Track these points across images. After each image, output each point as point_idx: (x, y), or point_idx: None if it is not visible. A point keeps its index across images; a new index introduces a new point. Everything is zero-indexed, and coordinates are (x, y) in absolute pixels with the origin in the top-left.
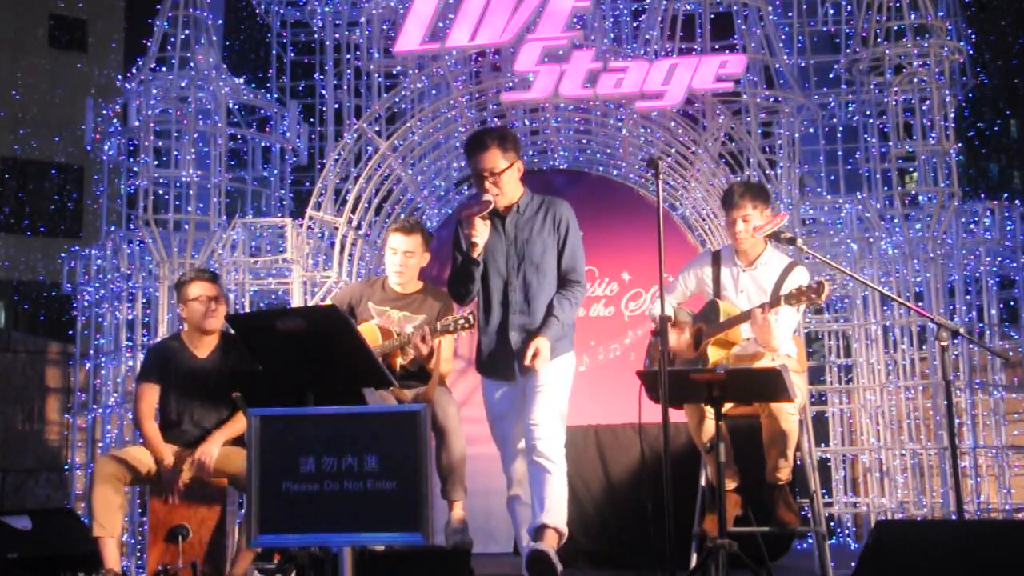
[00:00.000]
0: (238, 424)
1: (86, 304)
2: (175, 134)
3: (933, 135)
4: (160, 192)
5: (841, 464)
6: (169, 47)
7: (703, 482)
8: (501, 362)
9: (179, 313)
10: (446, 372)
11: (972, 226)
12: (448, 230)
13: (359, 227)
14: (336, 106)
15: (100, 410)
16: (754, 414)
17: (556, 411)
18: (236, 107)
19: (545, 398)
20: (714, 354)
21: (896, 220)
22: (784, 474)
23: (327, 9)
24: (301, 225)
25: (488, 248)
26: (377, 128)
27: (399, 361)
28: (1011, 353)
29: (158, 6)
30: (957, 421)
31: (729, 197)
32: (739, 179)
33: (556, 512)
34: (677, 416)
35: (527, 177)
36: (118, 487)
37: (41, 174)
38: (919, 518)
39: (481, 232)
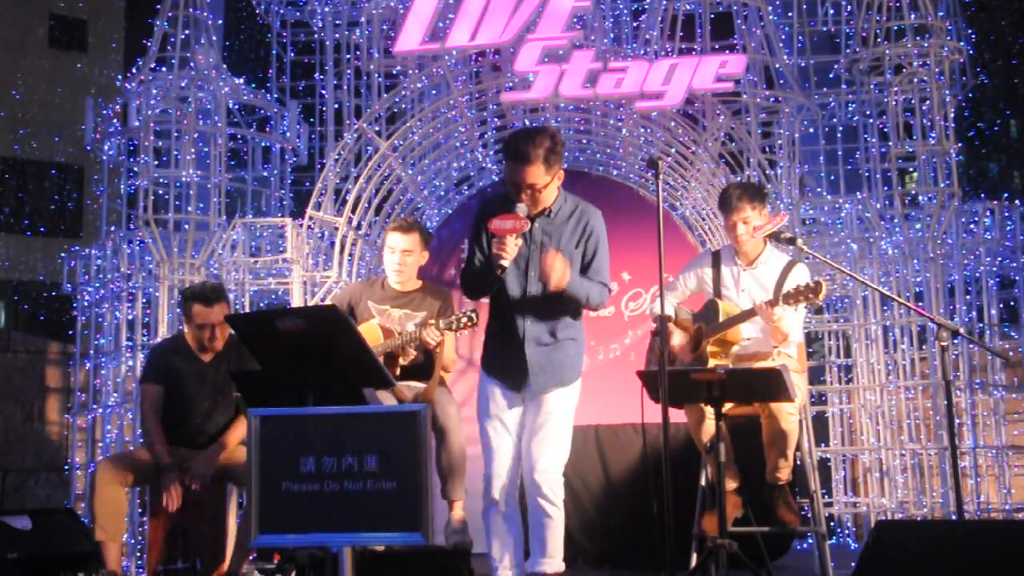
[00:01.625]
0: (238, 432)
1: (86, 304)
2: (175, 134)
3: (933, 135)
4: (160, 192)
5: (841, 464)
6: (169, 47)
7: (703, 482)
8: (513, 371)
9: (182, 321)
10: (450, 361)
11: (972, 226)
12: (448, 230)
13: (359, 227)
14: (336, 106)
15: (100, 410)
16: (754, 414)
17: (562, 448)
18: (236, 107)
19: (553, 432)
20: (714, 354)
21: (896, 220)
22: (784, 474)
23: (327, 9)
24: (301, 225)
25: None
26: (377, 128)
27: (400, 361)
28: (1011, 353)
29: (158, 6)
30: (957, 421)
31: (727, 200)
32: (735, 180)
33: (556, 557)
34: (677, 416)
35: None
36: (119, 490)
37: (41, 174)
38: (919, 518)
39: (511, 252)
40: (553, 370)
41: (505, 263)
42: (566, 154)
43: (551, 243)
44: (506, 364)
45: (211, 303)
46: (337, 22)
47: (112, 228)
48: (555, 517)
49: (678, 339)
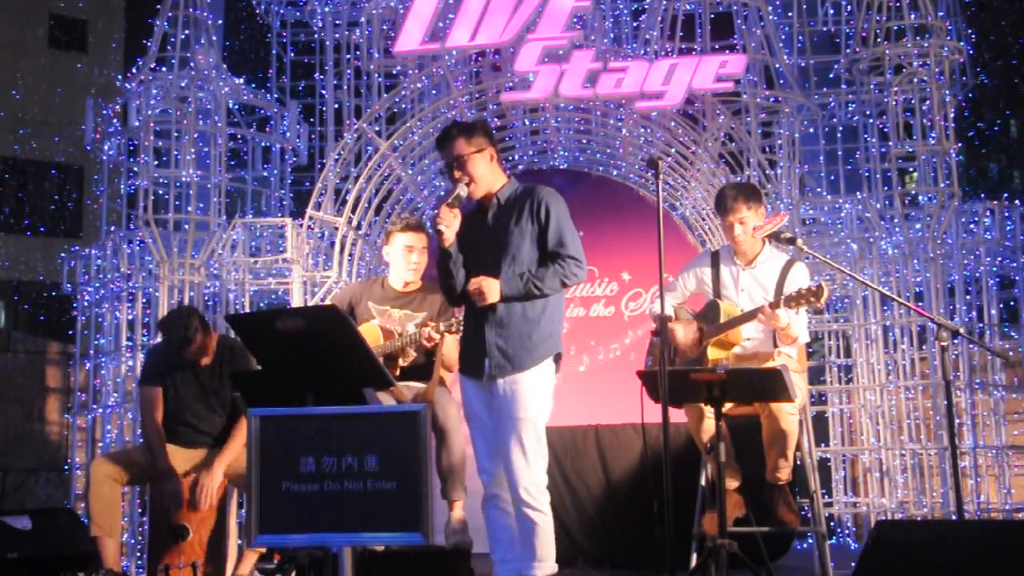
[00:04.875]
0: (238, 440)
1: (86, 304)
2: (175, 134)
3: (933, 135)
4: (160, 192)
5: (841, 464)
6: (169, 47)
7: (703, 482)
8: (473, 358)
9: None
10: (452, 361)
11: (972, 226)
12: None
13: (359, 227)
14: (336, 106)
15: (100, 410)
16: (754, 414)
17: (539, 454)
18: (236, 107)
19: (525, 439)
20: (714, 354)
21: (896, 220)
22: (784, 474)
23: (327, 9)
24: (301, 225)
25: (472, 242)
26: (377, 128)
27: (399, 362)
28: (1011, 353)
29: (158, 6)
30: (957, 421)
31: (723, 201)
32: (731, 181)
33: (547, 560)
34: (677, 416)
35: (528, 177)
36: (115, 487)
37: (41, 174)
38: (919, 518)
39: (448, 220)
40: (511, 352)
41: (442, 228)
42: (565, 153)
43: (501, 226)
44: (468, 352)
45: (191, 342)
46: (337, 22)
47: (112, 228)
48: (541, 523)
49: (687, 334)
